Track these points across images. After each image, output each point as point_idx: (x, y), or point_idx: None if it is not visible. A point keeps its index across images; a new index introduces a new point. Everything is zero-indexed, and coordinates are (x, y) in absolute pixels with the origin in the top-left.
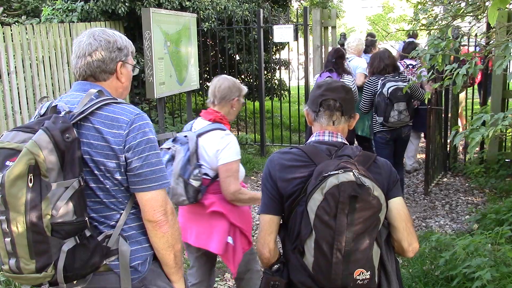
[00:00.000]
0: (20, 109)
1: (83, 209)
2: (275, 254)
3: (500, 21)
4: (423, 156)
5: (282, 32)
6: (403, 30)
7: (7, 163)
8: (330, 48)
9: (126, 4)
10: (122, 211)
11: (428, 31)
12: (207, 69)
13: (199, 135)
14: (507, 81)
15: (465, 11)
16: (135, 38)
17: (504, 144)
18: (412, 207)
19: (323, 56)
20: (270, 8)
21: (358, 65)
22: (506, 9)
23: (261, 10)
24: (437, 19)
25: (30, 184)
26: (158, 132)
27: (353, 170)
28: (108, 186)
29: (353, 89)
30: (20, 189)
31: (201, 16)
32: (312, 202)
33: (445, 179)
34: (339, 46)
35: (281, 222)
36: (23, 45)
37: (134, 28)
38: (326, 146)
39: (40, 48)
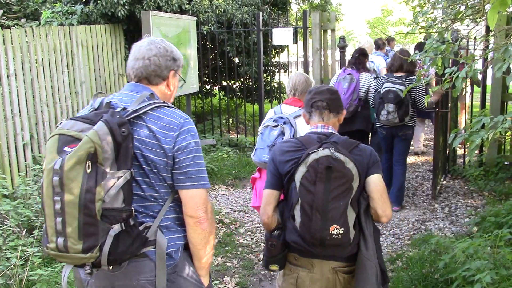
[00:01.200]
0: (20, 111)
1: (131, 199)
2: (273, 221)
3: (499, 24)
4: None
5: (281, 35)
6: (402, 33)
7: (65, 148)
8: (329, 51)
9: (126, 7)
10: (162, 205)
11: (427, 34)
12: (207, 72)
13: (295, 117)
14: (507, 84)
15: (464, 14)
16: (134, 41)
17: (503, 147)
18: (412, 209)
19: (322, 59)
20: (269, 11)
21: (378, 64)
22: (505, 12)
23: (261, 13)
24: (436, 22)
25: (88, 170)
26: None
27: (330, 148)
28: (153, 181)
29: (369, 85)
30: (78, 173)
31: (201, 19)
32: (298, 173)
33: (444, 182)
34: (338, 49)
35: (282, 198)
36: (22, 48)
37: (133, 31)
38: (318, 135)
39: (40, 51)
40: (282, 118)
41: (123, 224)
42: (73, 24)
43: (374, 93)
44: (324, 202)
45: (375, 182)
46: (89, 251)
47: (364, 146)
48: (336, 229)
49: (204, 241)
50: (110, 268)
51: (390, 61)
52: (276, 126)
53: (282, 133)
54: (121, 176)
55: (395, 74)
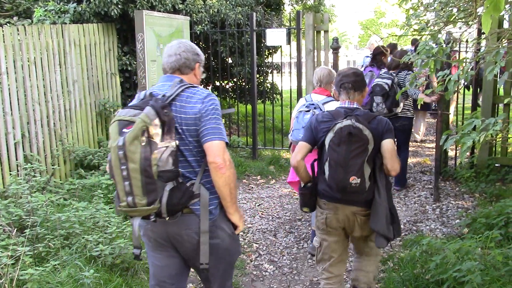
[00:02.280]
0: (11, 110)
1: (178, 162)
2: (301, 166)
3: (491, 27)
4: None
5: (275, 36)
6: (395, 35)
7: (124, 130)
8: (322, 52)
9: (119, 6)
10: (201, 165)
11: (413, 39)
12: None
13: (324, 103)
14: (498, 87)
15: (457, 17)
16: (127, 41)
17: (494, 149)
18: (403, 211)
19: (316, 60)
20: (263, 12)
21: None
22: (497, 16)
23: (254, 13)
24: (429, 24)
25: (143, 143)
26: None
27: (352, 119)
28: (191, 147)
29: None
30: (136, 147)
31: (194, 19)
32: (328, 138)
33: None
34: (331, 50)
35: (316, 159)
36: (14, 46)
37: (127, 31)
38: (344, 109)
39: (32, 49)
40: (313, 104)
41: (174, 181)
42: (65, 23)
43: None
44: (346, 159)
45: (387, 144)
46: (152, 204)
47: (381, 118)
48: (354, 179)
49: (225, 183)
50: (167, 218)
51: (390, 60)
52: (308, 111)
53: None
54: (168, 146)
55: (391, 71)
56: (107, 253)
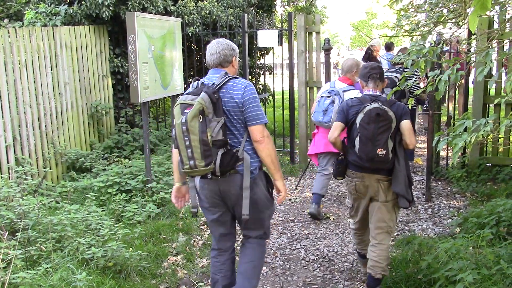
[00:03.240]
0: (2, 113)
1: (226, 134)
2: (338, 142)
3: (481, 28)
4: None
5: (266, 37)
6: (386, 36)
7: (185, 111)
8: (314, 54)
9: (110, 8)
10: (243, 137)
11: (410, 37)
12: (192, 73)
13: (344, 91)
14: (488, 87)
15: (447, 17)
16: (119, 43)
17: (485, 149)
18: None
19: (307, 61)
20: (254, 13)
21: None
22: (486, 16)
23: (246, 15)
24: (419, 25)
25: (200, 120)
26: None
27: (378, 103)
28: (235, 123)
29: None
30: (195, 123)
31: (186, 21)
32: (358, 118)
33: None
34: (323, 51)
35: (345, 136)
36: (5, 49)
37: (118, 33)
38: (370, 96)
39: (23, 51)
40: (333, 91)
41: (224, 148)
42: (57, 25)
43: None
44: (374, 135)
45: (405, 124)
46: (208, 165)
47: (399, 103)
48: (381, 151)
49: (266, 154)
50: (219, 177)
51: (392, 57)
52: (329, 97)
53: (333, 102)
54: (218, 121)
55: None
56: (99, 255)
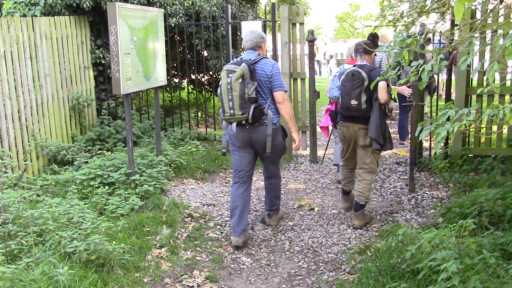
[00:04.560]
0: None
1: (257, 94)
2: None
3: (464, 18)
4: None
5: (250, 28)
6: (369, 26)
7: (230, 75)
8: (298, 45)
9: None
10: (269, 98)
11: (394, 28)
12: (175, 65)
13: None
14: (471, 77)
15: (430, 8)
16: (100, 34)
17: (467, 139)
18: (379, 202)
19: (291, 52)
20: (238, 4)
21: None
22: (469, 7)
23: (229, 6)
24: (403, 16)
25: (240, 82)
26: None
27: (355, 67)
28: (264, 89)
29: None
30: (237, 83)
31: (169, 11)
32: (341, 78)
33: None
34: (307, 42)
35: (331, 110)
36: None
37: (99, 23)
38: (357, 65)
39: (2, 42)
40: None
41: (255, 104)
42: (36, 15)
43: None
44: (349, 90)
45: (380, 84)
46: (244, 114)
47: (379, 69)
48: (354, 102)
49: (285, 112)
50: (250, 126)
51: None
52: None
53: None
54: (253, 84)
55: None
56: (82, 249)
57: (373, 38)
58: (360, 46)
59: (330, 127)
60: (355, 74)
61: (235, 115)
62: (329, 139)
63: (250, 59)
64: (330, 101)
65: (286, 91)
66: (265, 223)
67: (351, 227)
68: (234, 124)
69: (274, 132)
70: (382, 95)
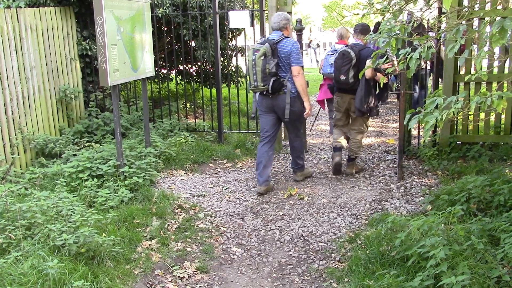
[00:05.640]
0: None
1: (278, 69)
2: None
3: (452, 6)
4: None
5: (238, 18)
6: (357, 14)
7: (255, 53)
8: None
9: None
10: (288, 72)
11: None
12: (163, 56)
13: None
14: (459, 64)
15: None
16: (87, 25)
17: (455, 127)
18: (368, 190)
19: None
20: None
21: None
22: None
23: None
24: (391, 3)
25: (263, 59)
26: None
27: (347, 47)
28: (284, 64)
29: None
30: (260, 60)
31: (155, 2)
32: (335, 57)
33: None
34: (295, 31)
35: (329, 84)
36: None
37: (85, 14)
38: (351, 44)
39: None
40: (336, 50)
41: (275, 77)
42: (21, 7)
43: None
44: (340, 66)
45: (367, 62)
46: (265, 85)
47: (370, 49)
48: (342, 76)
49: (299, 84)
50: (271, 95)
51: None
52: (333, 54)
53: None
54: (274, 61)
55: None
56: (71, 242)
57: (379, 26)
58: (358, 26)
59: (325, 106)
60: (345, 54)
61: (258, 87)
62: (312, 127)
63: (273, 39)
64: (323, 77)
65: (302, 66)
66: (255, 213)
67: (341, 216)
68: (258, 94)
69: (292, 100)
70: (367, 72)
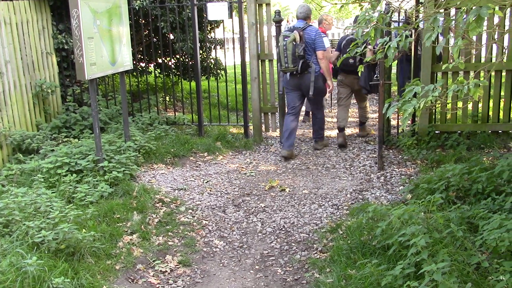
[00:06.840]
0: None
1: (305, 53)
2: (335, 62)
3: None
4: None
5: (216, 10)
6: (335, 4)
7: (285, 39)
8: (265, 26)
9: None
10: (312, 55)
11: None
12: (141, 49)
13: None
14: (436, 53)
15: None
16: (62, 18)
17: (434, 116)
18: (349, 180)
19: (258, 33)
20: None
21: None
22: None
23: None
24: None
25: (293, 44)
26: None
27: (353, 35)
28: (309, 48)
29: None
30: (290, 45)
31: None
32: (342, 43)
33: None
34: (274, 23)
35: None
36: None
37: (61, 7)
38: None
39: None
40: (324, 34)
41: (303, 59)
42: None
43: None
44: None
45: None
46: (295, 66)
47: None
48: (351, 60)
49: (324, 65)
50: (299, 75)
51: None
52: (325, 36)
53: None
54: (302, 46)
55: None
56: (50, 238)
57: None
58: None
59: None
60: (353, 40)
61: (289, 68)
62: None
63: (300, 27)
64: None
65: (325, 50)
66: (237, 206)
67: (322, 207)
68: (288, 74)
69: (316, 78)
70: (367, 54)
